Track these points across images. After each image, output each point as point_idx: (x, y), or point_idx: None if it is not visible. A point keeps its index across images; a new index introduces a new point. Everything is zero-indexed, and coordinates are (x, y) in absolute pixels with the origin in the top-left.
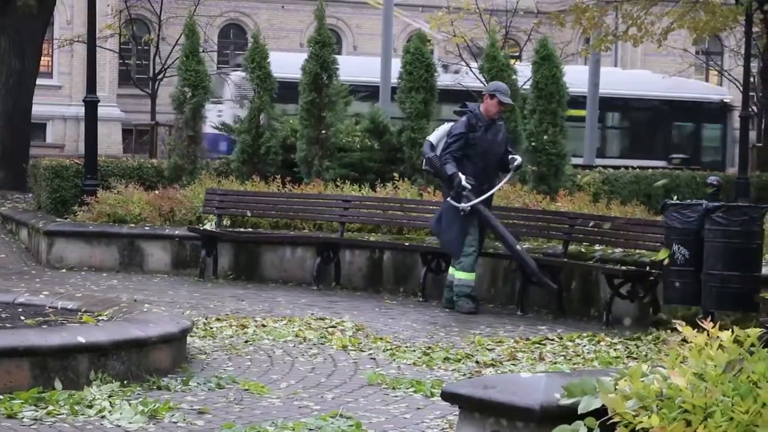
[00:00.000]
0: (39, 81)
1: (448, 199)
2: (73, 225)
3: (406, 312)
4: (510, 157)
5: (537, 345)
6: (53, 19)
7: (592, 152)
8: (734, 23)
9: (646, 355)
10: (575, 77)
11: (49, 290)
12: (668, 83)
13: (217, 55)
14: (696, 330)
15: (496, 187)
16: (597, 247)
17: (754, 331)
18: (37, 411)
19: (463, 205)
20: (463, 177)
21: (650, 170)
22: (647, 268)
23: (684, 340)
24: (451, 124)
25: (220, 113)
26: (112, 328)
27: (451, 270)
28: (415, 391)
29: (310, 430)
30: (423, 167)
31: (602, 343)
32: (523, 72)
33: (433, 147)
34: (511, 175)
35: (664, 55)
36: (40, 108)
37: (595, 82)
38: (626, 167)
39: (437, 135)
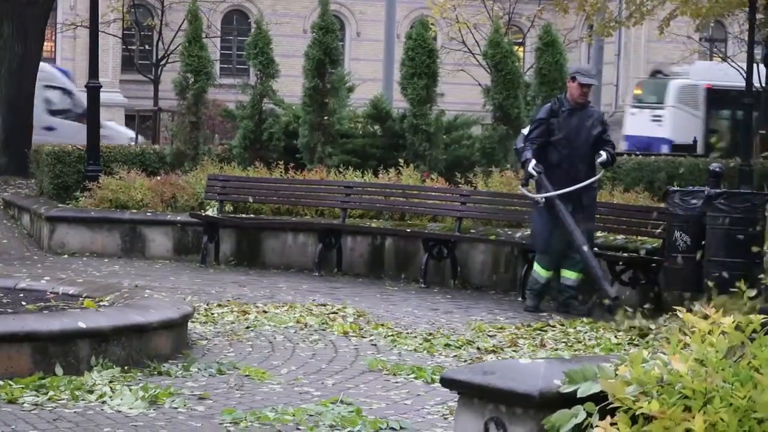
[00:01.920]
0: (42, 66)
1: (519, 186)
2: (75, 211)
3: (408, 298)
4: (599, 152)
5: (538, 331)
6: (56, 4)
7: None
8: (737, 9)
9: (647, 342)
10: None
11: (50, 276)
12: None
13: (220, 41)
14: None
15: (579, 185)
16: (598, 233)
17: (757, 318)
18: (38, 396)
19: (537, 195)
20: (532, 162)
21: (652, 157)
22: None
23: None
24: None
25: (659, 118)
26: (113, 313)
27: (563, 272)
28: (415, 378)
29: (311, 415)
30: (518, 162)
31: (603, 330)
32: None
33: (526, 138)
34: (600, 174)
35: (668, 42)
36: None
37: (599, 68)
38: None
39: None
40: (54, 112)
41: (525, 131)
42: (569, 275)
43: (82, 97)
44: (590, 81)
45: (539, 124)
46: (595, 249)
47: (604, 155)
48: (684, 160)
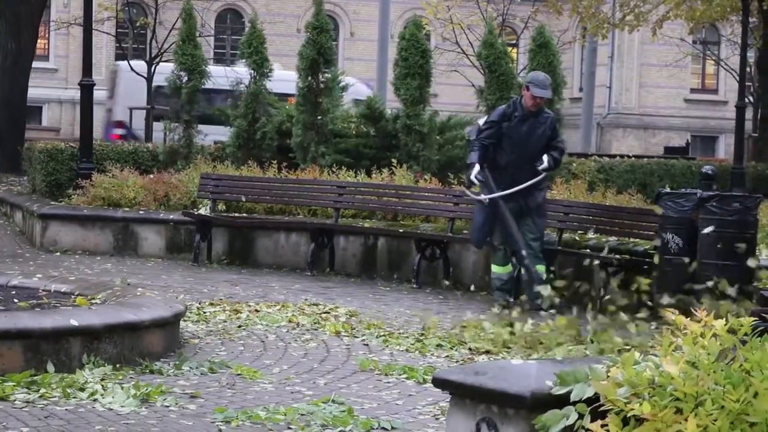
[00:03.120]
0: (35, 64)
1: (461, 186)
2: (67, 208)
3: (400, 298)
4: (542, 157)
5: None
6: (49, 1)
7: (588, 140)
8: (731, 13)
9: (640, 343)
10: None
11: (42, 273)
12: None
13: (214, 40)
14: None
15: (519, 187)
16: (591, 235)
17: (748, 321)
18: (30, 394)
19: (481, 197)
20: (476, 169)
21: (645, 159)
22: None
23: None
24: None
25: None
26: (105, 311)
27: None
28: (407, 378)
29: (302, 415)
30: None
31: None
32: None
33: (480, 131)
34: (539, 178)
35: (661, 45)
36: (35, 91)
37: (592, 70)
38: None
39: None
40: None
41: (481, 122)
42: (498, 270)
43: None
44: (543, 94)
45: (491, 126)
46: (587, 250)
47: (545, 161)
48: (677, 162)
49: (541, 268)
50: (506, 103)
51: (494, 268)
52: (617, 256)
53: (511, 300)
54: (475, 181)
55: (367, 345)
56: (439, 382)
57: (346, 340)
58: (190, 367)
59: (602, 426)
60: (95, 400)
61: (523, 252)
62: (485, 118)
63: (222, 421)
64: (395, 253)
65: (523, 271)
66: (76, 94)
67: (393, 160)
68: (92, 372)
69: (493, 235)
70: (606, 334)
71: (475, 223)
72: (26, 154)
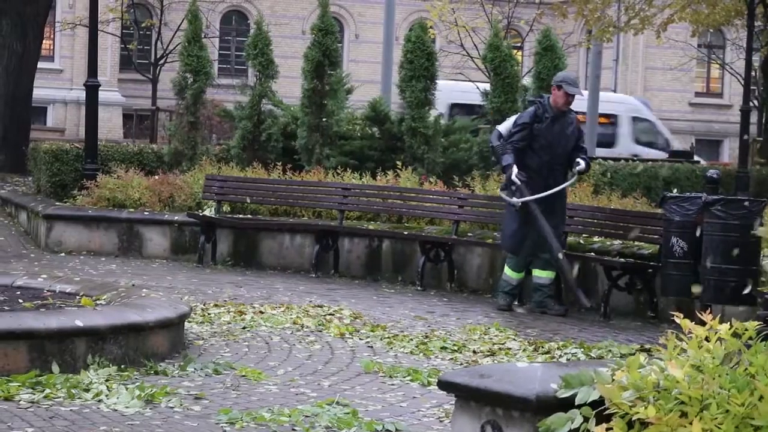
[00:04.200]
0: (40, 64)
1: (499, 191)
2: (72, 209)
3: (404, 301)
4: (577, 160)
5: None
6: (55, 2)
7: (592, 144)
8: (736, 17)
9: (642, 347)
10: None
11: (47, 274)
12: None
13: (219, 42)
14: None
15: (554, 189)
16: (596, 238)
17: (752, 324)
18: (34, 394)
19: (514, 200)
20: (515, 170)
21: (650, 162)
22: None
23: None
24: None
25: None
26: (110, 312)
27: (536, 272)
28: (411, 380)
29: (307, 416)
30: (491, 158)
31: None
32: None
33: (501, 136)
34: (573, 180)
35: (666, 48)
36: (40, 91)
37: (597, 74)
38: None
39: (507, 125)
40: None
41: (500, 128)
42: (542, 275)
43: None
44: (576, 91)
45: (522, 128)
46: (592, 253)
47: (582, 164)
48: (681, 166)
49: (550, 275)
50: (534, 106)
51: (508, 272)
52: (622, 260)
53: (516, 304)
54: (518, 180)
55: (372, 347)
56: (445, 385)
57: (350, 342)
58: (195, 369)
59: (607, 429)
60: (100, 400)
61: (560, 255)
62: (505, 123)
63: (226, 423)
64: (400, 255)
65: (547, 276)
66: (81, 94)
67: (398, 162)
68: (97, 373)
69: (524, 242)
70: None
71: (507, 229)
72: (31, 154)
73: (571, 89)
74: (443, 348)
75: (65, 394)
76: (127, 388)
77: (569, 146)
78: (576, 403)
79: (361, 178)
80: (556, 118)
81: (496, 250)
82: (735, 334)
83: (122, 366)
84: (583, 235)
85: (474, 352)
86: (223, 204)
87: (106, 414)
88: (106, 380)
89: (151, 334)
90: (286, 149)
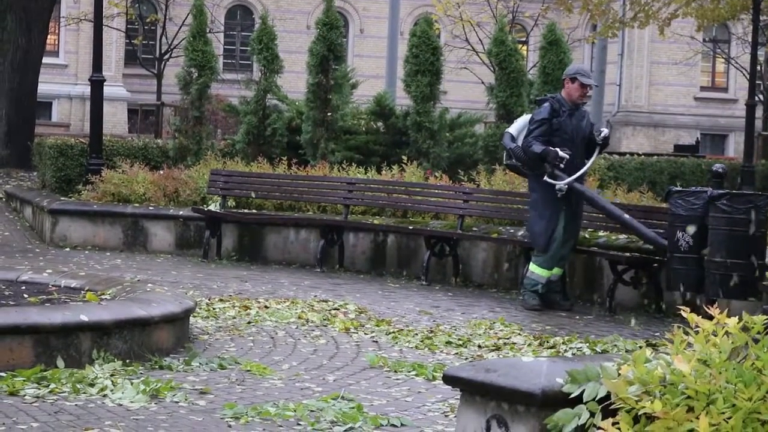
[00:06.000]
0: (45, 60)
1: (545, 177)
2: (77, 204)
3: (409, 295)
4: (596, 130)
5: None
6: None
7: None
8: (741, 11)
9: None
10: None
11: (52, 268)
12: None
13: (224, 36)
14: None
15: (589, 163)
16: (601, 233)
17: (760, 319)
18: (39, 389)
19: (561, 183)
20: (553, 150)
21: (655, 157)
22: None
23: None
24: (530, 114)
25: None
26: (115, 307)
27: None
28: (416, 375)
29: (312, 411)
30: (504, 161)
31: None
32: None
33: (513, 138)
34: (599, 151)
35: (671, 43)
36: (45, 87)
37: (602, 68)
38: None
39: (517, 126)
40: None
41: (511, 130)
42: (531, 266)
43: None
44: (592, 82)
45: (541, 123)
46: (597, 248)
47: (605, 130)
48: (686, 160)
49: (558, 272)
50: (548, 101)
51: (538, 270)
52: (627, 254)
53: (560, 300)
54: (566, 155)
55: (377, 342)
56: (450, 379)
57: (355, 337)
58: (200, 363)
59: (613, 424)
60: (105, 395)
61: (626, 216)
62: (515, 125)
63: (231, 417)
64: (405, 250)
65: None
66: (86, 89)
67: (403, 156)
68: (102, 367)
69: (554, 237)
70: None
71: (535, 226)
72: (36, 149)
73: (587, 80)
74: (448, 343)
75: (70, 389)
76: (132, 383)
77: (586, 137)
78: (584, 399)
79: (366, 173)
80: (573, 112)
81: (501, 244)
82: (742, 328)
83: (127, 361)
84: (589, 229)
85: (479, 346)
86: (228, 199)
87: (111, 409)
88: (111, 375)
89: (156, 328)
90: (291, 144)
